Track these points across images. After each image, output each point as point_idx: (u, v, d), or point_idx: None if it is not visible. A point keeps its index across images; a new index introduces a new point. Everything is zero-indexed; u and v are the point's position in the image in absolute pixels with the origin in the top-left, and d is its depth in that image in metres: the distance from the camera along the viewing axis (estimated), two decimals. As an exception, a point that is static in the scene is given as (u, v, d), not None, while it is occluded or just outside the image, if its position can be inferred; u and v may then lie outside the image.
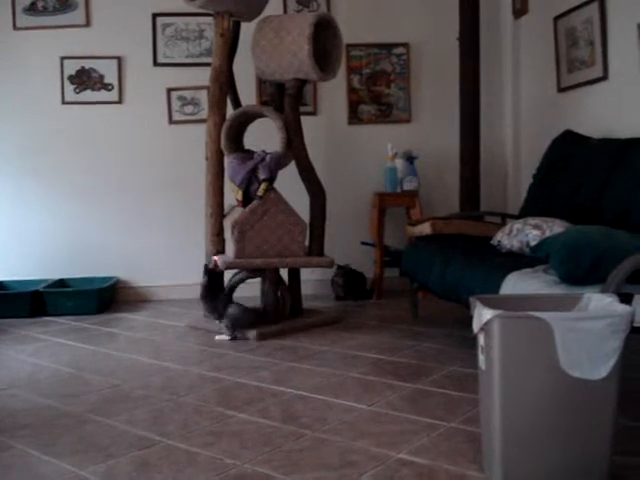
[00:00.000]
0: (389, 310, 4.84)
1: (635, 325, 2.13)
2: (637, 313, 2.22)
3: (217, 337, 4.11)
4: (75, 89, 5.33)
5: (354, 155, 5.56)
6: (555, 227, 3.34)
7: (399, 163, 5.27)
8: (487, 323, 1.99)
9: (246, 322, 4.10)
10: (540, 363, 1.97)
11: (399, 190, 5.25)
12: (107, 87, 5.36)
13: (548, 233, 3.27)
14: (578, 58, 4.52)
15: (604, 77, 4.24)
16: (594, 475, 2.01)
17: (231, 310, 4.08)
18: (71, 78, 5.33)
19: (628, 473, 2.14)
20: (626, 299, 2.35)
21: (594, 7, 4.27)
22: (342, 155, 5.55)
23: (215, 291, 4.20)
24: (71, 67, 5.32)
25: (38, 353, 3.91)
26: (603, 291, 2.37)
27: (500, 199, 5.55)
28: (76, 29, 5.32)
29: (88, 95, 5.35)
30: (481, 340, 2.09)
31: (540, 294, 2.60)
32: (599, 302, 2.17)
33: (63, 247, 5.35)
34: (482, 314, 2.00)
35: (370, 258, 5.32)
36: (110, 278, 5.32)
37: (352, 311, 4.85)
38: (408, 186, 5.23)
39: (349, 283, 5.20)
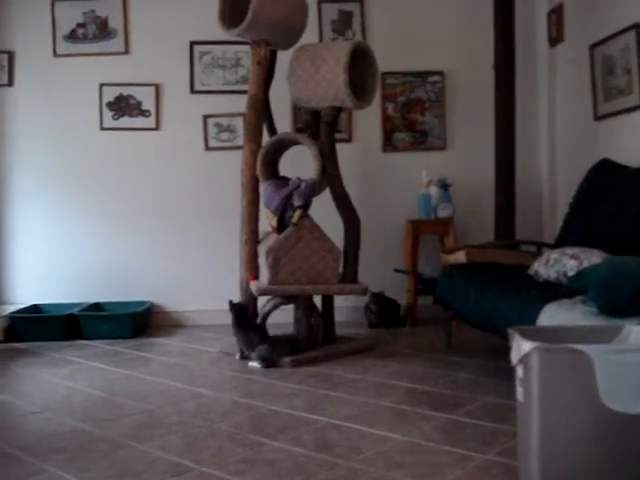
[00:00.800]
0: (422, 338, 4.81)
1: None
2: (679, 346, 2.19)
3: (250, 363, 4.10)
4: (113, 115, 5.42)
5: (388, 182, 5.56)
6: (593, 257, 3.30)
7: (433, 190, 5.25)
8: (526, 355, 1.96)
9: (276, 358, 4.08)
10: (580, 396, 1.94)
11: (433, 217, 5.23)
12: (145, 114, 5.44)
13: (586, 263, 3.23)
14: (615, 86, 4.49)
15: (642, 105, 4.21)
16: (635, 512, 1.97)
17: (261, 349, 4.06)
18: (109, 104, 5.42)
19: (670, 511, 2.09)
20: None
21: (631, 35, 4.24)
22: (376, 182, 5.55)
23: (245, 324, 4.19)
24: (110, 94, 5.41)
25: (72, 376, 3.93)
26: (644, 323, 2.34)
27: (535, 228, 5.50)
28: (115, 56, 5.43)
29: (126, 121, 5.43)
30: (520, 372, 2.06)
31: (579, 325, 2.57)
32: (639, 334, 2.14)
33: (99, 271, 5.41)
34: (521, 346, 1.98)
35: (403, 286, 5.30)
36: (144, 302, 5.36)
37: (385, 339, 4.82)
38: (442, 213, 5.21)
39: (382, 310, 5.18)
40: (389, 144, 5.58)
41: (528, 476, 2.04)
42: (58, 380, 3.86)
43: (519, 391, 2.08)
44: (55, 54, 5.41)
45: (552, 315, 2.87)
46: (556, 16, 5.28)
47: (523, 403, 2.06)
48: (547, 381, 1.95)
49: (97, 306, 5.35)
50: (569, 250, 3.51)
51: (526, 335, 2.04)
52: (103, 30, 5.43)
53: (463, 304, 3.85)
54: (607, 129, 4.64)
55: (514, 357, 2.04)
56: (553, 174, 5.45)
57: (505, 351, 2.12)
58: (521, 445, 2.14)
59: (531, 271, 3.69)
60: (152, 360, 4.34)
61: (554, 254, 3.56)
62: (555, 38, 5.32)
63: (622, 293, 2.55)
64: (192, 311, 5.47)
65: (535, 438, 1.97)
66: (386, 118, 5.57)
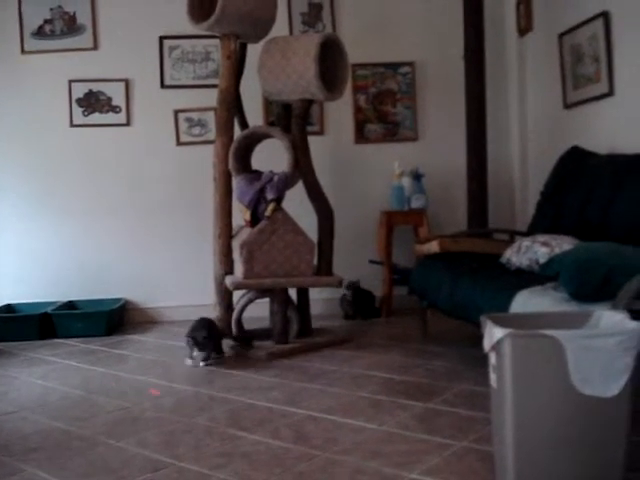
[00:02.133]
0: (398, 329, 4.83)
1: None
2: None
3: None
4: (83, 112, 5.37)
5: (361, 174, 5.57)
6: (564, 244, 3.33)
7: (406, 181, 5.27)
8: (498, 342, 1.98)
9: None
10: (552, 381, 1.96)
11: (406, 208, 5.25)
12: (115, 109, 5.40)
13: (557, 250, 3.26)
14: (584, 74, 4.53)
15: (610, 93, 4.24)
16: (608, 493, 2.00)
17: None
18: (79, 101, 5.37)
19: (642, 491, 2.13)
20: (637, 315, 2.34)
21: (599, 23, 4.28)
22: (349, 174, 5.56)
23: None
24: (79, 90, 5.36)
25: (48, 376, 3.91)
26: (614, 308, 2.37)
27: (508, 216, 5.54)
28: (84, 52, 5.37)
29: (96, 118, 5.39)
30: (492, 359, 2.08)
31: (550, 312, 2.60)
32: (610, 319, 2.17)
33: (72, 269, 5.37)
34: (493, 333, 2.00)
35: (378, 277, 5.32)
36: (119, 300, 5.33)
37: (361, 330, 4.84)
38: (415, 204, 5.23)
39: (358, 302, 5.19)
40: (361, 136, 5.59)
41: (503, 461, 2.06)
42: (33, 379, 3.83)
43: (492, 378, 2.10)
44: (23, 51, 5.34)
45: (524, 302, 2.90)
46: (525, 6, 5.31)
47: (496, 389, 2.08)
48: (519, 367, 1.97)
49: (71, 304, 5.31)
50: (540, 237, 3.54)
51: (498, 322, 2.06)
52: (71, 26, 5.37)
53: (437, 293, 3.88)
54: (577, 117, 4.68)
55: (486, 344, 2.06)
56: (524, 163, 5.49)
57: (479, 339, 2.14)
58: (495, 431, 2.16)
59: (503, 259, 3.72)
60: (128, 357, 4.32)
61: (526, 242, 3.59)
62: (524, 28, 5.35)
63: (592, 279, 2.58)
64: (167, 307, 5.45)
65: (509, 423, 1.99)
66: (358, 110, 5.58)
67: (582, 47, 4.52)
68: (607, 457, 2.00)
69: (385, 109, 5.60)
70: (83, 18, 5.37)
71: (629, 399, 1.98)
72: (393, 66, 5.58)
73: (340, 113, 5.53)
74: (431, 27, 5.59)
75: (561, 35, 4.76)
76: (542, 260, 3.25)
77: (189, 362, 4.01)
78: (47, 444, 2.80)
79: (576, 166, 4.19)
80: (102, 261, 5.41)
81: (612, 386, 1.96)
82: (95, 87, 5.38)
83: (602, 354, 1.95)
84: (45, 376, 3.90)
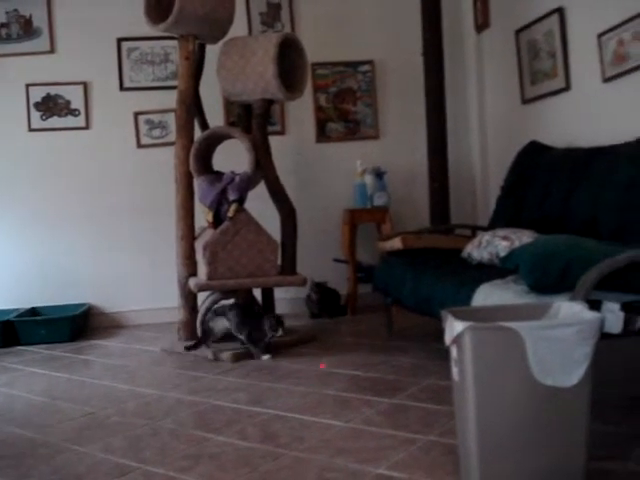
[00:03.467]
0: (364, 326, 4.85)
1: (604, 331, 2.17)
2: (606, 319, 2.26)
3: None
4: (42, 116, 5.31)
5: (323, 173, 5.58)
6: (523, 238, 3.37)
7: (368, 179, 5.30)
8: (459, 335, 2.00)
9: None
10: (512, 372, 1.99)
11: (369, 206, 5.28)
12: (74, 113, 5.35)
13: (517, 244, 3.30)
14: (541, 70, 4.59)
15: (566, 88, 4.31)
16: (570, 481, 2.03)
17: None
18: (37, 105, 5.31)
19: (603, 478, 2.16)
20: (595, 306, 2.38)
21: (554, 19, 4.34)
22: (311, 173, 5.57)
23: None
24: (37, 94, 5.30)
25: (12, 383, 3.86)
26: (572, 299, 2.40)
27: (470, 212, 5.60)
28: (41, 56, 5.31)
29: (55, 121, 5.33)
30: (454, 352, 2.10)
31: (510, 304, 2.63)
32: (568, 310, 2.20)
33: (34, 275, 5.30)
34: (454, 326, 2.02)
35: (343, 275, 5.33)
36: (82, 305, 5.28)
37: (327, 328, 4.85)
38: (378, 202, 5.26)
39: (323, 300, 5.20)
40: (323, 135, 5.61)
41: (467, 453, 2.09)
42: (-4, 388, 3.79)
43: (454, 371, 2.12)
44: (-22, 55, 5.27)
45: (485, 295, 2.93)
46: (481, 2, 5.36)
47: (458, 382, 2.10)
48: (480, 359, 1.99)
49: (34, 311, 5.25)
50: (500, 232, 3.58)
51: (459, 316, 2.07)
52: (27, 29, 5.31)
53: (401, 290, 3.90)
54: (534, 112, 4.74)
55: (447, 338, 2.08)
56: (485, 158, 5.54)
57: (443, 334, 2.16)
58: (459, 424, 2.18)
59: (464, 254, 3.75)
60: (93, 362, 4.28)
61: (486, 236, 3.63)
62: (481, 24, 5.40)
63: (551, 271, 2.62)
64: (132, 311, 5.41)
65: (471, 416, 2.01)
66: (318, 109, 5.59)
67: (538, 43, 4.58)
68: (569, 446, 2.03)
69: (346, 108, 5.62)
70: (39, 21, 5.30)
71: (589, 388, 2.01)
72: (353, 65, 5.60)
73: (301, 112, 5.54)
74: (390, 25, 5.61)
75: (518, 31, 4.82)
76: (502, 254, 3.29)
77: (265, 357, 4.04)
78: (12, 452, 2.76)
79: (534, 161, 4.24)
80: (65, 266, 5.35)
81: (572, 376, 1.99)
82: (53, 90, 5.32)
83: (561, 344, 1.98)
84: (9, 384, 3.85)
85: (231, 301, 4.29)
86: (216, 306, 4.17)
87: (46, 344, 4.84)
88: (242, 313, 4.06)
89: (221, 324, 4.08)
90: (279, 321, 3.99)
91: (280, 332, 3.98)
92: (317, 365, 3.84)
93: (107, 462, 2.59)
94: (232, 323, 4.03)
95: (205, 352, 4.13)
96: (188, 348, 4.16)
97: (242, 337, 4.03)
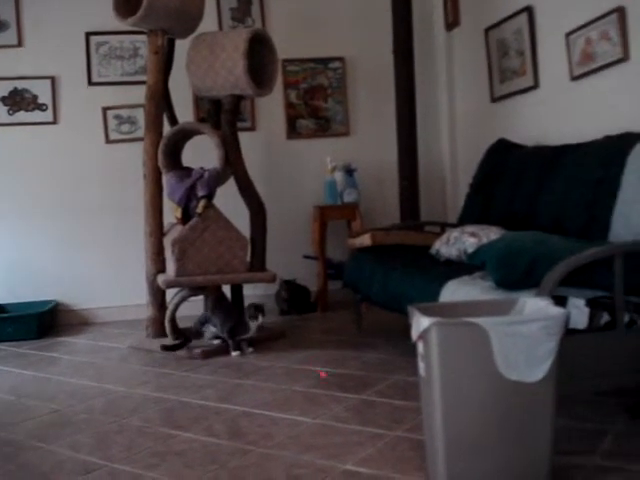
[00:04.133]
0: (333, 323, 4.86)
1: (570, 327, 2.19)
2: (571, 315, 2.28)
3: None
4: (8, 110, 5.24)
5: (294, 169, 5.58)
6: (491, 234, 3.39)
7: (338, 176, 5.29)
8: (425, 331, 2.01)
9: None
10: (478, 368, 2.00)
11: (339, 203, 5.28)
12: (41, 107, 5.28)
13: (484, 240, 3.32)
14: (510, 68, 4.62)
15: (535, 86, 4.34)
16: (536, 476, 2.05)
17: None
18: (4, 99, 5.23)
19: (569, 473, 2.18)
20: (561, 302, 2.40)
21: (523, 18, 4.37)
22: (282, 170, 5.56)
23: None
24: (3, 88, 5.22)
25: (-24, 381, 3.82)
26: (538, 295, 2.42)
27: (439, 209, 5.62)
28: (8, 49, 5.23)
29: (22, 116, 5.26)
30: (420, 348, 2.11)
31: (477, 300, 2.64)
32: (534, 305, 2.22)
33: (0, 272, 5.23)
34: (420, 322, 2.02)
35: (313, 271, 5.33)
36: (49, 302, 5.22)
37: (297, 325, 4.84)
38: (348, 198, 5.26)
39: (293, 297, 5.19)
40: (293, 131, 5.60)
41: (433, 448, 2.09)
42: (-39, 385, 3.74)
43: (421, 366, 2.13)
44: (-57, 49, 5.19)
45: (453, 292, 2.95)
46: (451, 1, 5.38)
47: (425, 378, 2.10)
48: (446, 355, 1.99)
49: (0, 308, 5.18)
50: (469, 228, 3.61)
51: (426, 312, 2.08)
52: (-6, 23, 5.24)
53: (370, 286, 3.91)
54: (503, 110, 4.77)
55: (414, 334, 2.09)
56: (454, 155, 5.57)
57: (412, 330, 2.17)
58: (426, 418, 2.19)
59: (433, 251, 3.77)
60: (60, 360, 4.24)
61: (454, 233, 3.65)
62: (451, 22, 5.43)
63: (517, 267, 2.63)
64: (100, 308, 5.36)
65: (438, 410, 2.02)
66: (289, 105, 5.58)
67: (508, 41, 4.61)
68: (535, 441, 2.04)
69: (316, 104, 5.62)
70: (6, 15, 5.23)
71: (554, 383, 2.03)
72: (323, 61, 5.60)
73: (271, 109, 5.53)
74: (361, 22, 5.62)
75: (487, 29, 4.85)
76: (470, 250, 3.31)
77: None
78: (-25, 450, 2.73)
79: (503, 158, 4.27)
80: (32, 263, 5.28)
81: (536, 371, 2.00)
82: (20, 85, 5.25)
83: (526, 340, 1.99)
84: (-27, 382, 3.80)
85: (203, 299, 4.30)
86: (200, 315, 4.16)
87: (13, 341, 4.78)
88: (224, 311, 4.08)
89: (209, 330, 4.11)
90: (258, 309, 3.99)
91: (260, 319, 3.98)
92: (286, 361, 3.83)
93: (73, 460, 2.57)
94: (217, 325, 4.04)
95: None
96: (167, 348, 4.12)
97: (225, 335, 4.04)
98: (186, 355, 4.06)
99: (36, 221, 5.29)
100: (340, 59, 5.62)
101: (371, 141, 5.64)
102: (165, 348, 4.11)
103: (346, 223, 5.36)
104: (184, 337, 4.14)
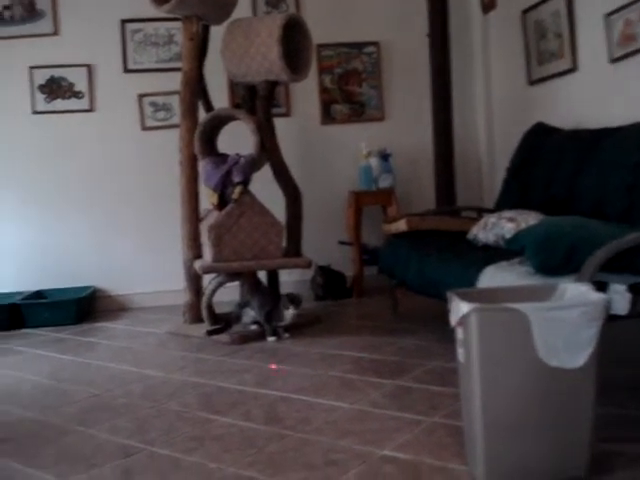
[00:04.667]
0: (369, 308, 4.85)
1: (611, 313, 2.16)
2: (612, 301, 2.24)
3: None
4: (45, 98, 5.29)
5: (328, 155, 5.57)
6: (529, 219, 3.36)
7: (373, 161, 5.28)
8: (464, 316, 1.99)
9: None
10: (518, 354, 1.98)
11: (374, 188, 5.26)
12: (78, 95, 5.33)
13: (523, 225, 3.29)
14: (547, 50, 4.55)
15: (573, 69, 4.28)
16: (576, 463, 2.03)
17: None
18: (41, 87, 5.29)
19: (609, 460, 2.15)
20: (601, 287, 2.37)
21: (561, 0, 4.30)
22: (316, 155, 5.55)
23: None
24: (41, 76, 5.28)
25: (18, 365, 3.87)
26: (578, 280, 2.39)
27: (475, 193, 5.57)
28: (44, 38, 5.27)
29: (59, 104, 5.31)
30: (459, 334, 2.09)
31: (516, 286, 2.62)
32: (574, 291, 2.19)
33: (39, 258, 5.30)
34: (459, 308, 2.01)
35: (348, 257, 5.33)
36: (88, 288, 5.28)
37: (332, 311, 4.85)
38: (383, 184, 5.24)
39: (328, 283, 5.20)
40: (328, 116, 5.58)
41: (472, 435, 2.08)
42: (4, 370, 3.79)
43: (460, 352, 2.12)
44: (-18, 37, 5.25)
45: (491, 277, 2.92)
46: (487, -17, 5.32)
47: (464, 364, 2.09)
48: (486, 341, 1.98)
49: (39, 294, 5.25)
50: (506, 213, 3.57)
51: (465, 297, 2.07)
52: (30, 11, 5.28)
53: (406, 272, 3.89)
54: (541, 93, 4.71)
55: (453, 319, 2.07)
56: (491, 140, 5.51)
57: (449, 316, 2.15)
58: (464, 405, 2.18)
59: (470, 236, 3.74)
60: (98, 345, 4.29)
61: (492, 218, 3.61)
62: (488, 5, 5.36)
63: (557, 252, 2.60)
64: (137, 293, 5.41)
65: (477, 397, 2.00)
66: (323, 91, 5.56)
67: (545, 23, 4.54)
68: (574, 428, 2.02)
69: (351, 89, 5.59)
70: (42, 3, 5.27)
71: (595, 370, 2.00)
72: (358, 46, 5.57)
73: (306, 94, 5.51)
74: (395, 6, 5.57)
75: (524, 11, 4.78)
76: (508, 236, 3.28)
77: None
78: (18, 434, 2.77)
79: (541, 142, 4.22)
80: (70, 249, 5.35)
81: (577, 357, 1.98)
82: (57, 73, 5.29)
83: (567, 326, 1.97)
84: (15, 366, 3.86)
85: (239, 285, 4.32)
86: (239, 300, 4.16)
87: (51, 327, 4.85)
88: (262, 295, 4.12)
89: (249, 314, 4.13)
90: (293, 299, 4.00)
91: (292, 310, 3.98)
92: (322, 347, 3.84)
93: (113, 443, 2.60)
94: (255, 308, 4.07)
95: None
96: (210, 333, 4.15)
97: (262, 319, 4.06)
98: (225, 340, 4.08)
99: (74, 207, 5.34)
100: (375, 43, 5.58)
101: (406, 126, 5.60)
102: (210, 333, 4.13)
103: (381, 208, 5.33)
104: (225, 322, 4.16)
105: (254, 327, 4.15)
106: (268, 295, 4.19)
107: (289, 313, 3.99)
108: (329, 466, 2.27)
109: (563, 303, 2.13)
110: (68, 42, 5.31)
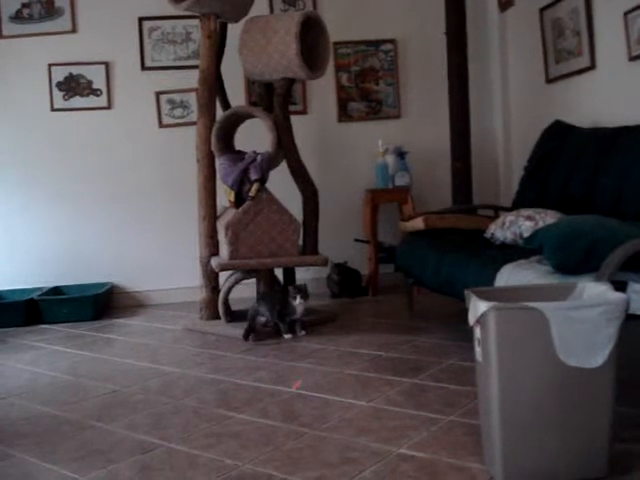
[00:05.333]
0: (385, 306, 4.85)
1: (630, 312, 2.14)
2: (631, 300, 2.23)
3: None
4: (64, 96, 5.32)
5: (345, 152, 5.56)
6: (548, 218, 3.34)
7: (390, 159, 5.27)
8: (482, 315, 1.99)
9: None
10: (536, 353, 1.98)
11: (391, 186, 5.25)
12: (96, 93, 5.35)
13: (541, 224, 3.28)
14: (565, 48, 4.52)
15: (592, 67, 4.25)
16: (594, 462, 2.02)
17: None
18: (59, 85, 5.32)
19: (627, 460, 2.14)
20: (620, 287, 2.36)
21: (579, -3, 4.28)
22: (333, 153, 5.55)
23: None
24: (59, 74, 5.31)
25: (35, 361, 3.90)
26: (597, 279, 2.38)
27: (492, 192, 5.55)
28: (63, 36, 5.30)
29: (77, 101, 5.34)
30: (477, 332, 2.09)
31: (534, 285, 2.61)
32: (593, 290, 2.18)
33: (57, 254, 5.33)
34: (477, 306, 2.01)
35: (364, 255, 5.32)
36: (105, 284, 5.31)
37: (348, 308, 4.85)
38: (400, 182, 5.24)
39: (344, 280, 5.20)
40: (344, 114, 5.58)
41: (489, 433, 2.08)
42: (21, 366, 3.82)
43: (477, 351, 2.11)
44: (1, 35, 5.27)
45: (509, 276, 2.91)
46: (505, -20, 5.29)
47: (482, 363, 2.09)
48: (504, 340, 1.97)
49: (57, 290, 5.29)
50: (524, 212, 3.56)
51: (483, 296, 2.06)
52: (49, 9, 5.31)
53: (423, 270, 3.89)
54: (559, 91, 4.68)
55: (471, 318, 2.07)
56: (508, 138, 5.49)
57: (466, 314, 2.14)
58: (482, 404, 2.18)
59: (487, 234, 3.73)
60: (115, 341, 4.31)
61: (510, 216, 3.60)
62: (505, 2, 5.33)
63: (575, 251, 2.59)
64: (154, 290, 5.44)
65: (495, 396, 2.00)
66: (340, 88, 5.56)
67: (563, 21, 4.51)
68: (593, 427, 2.02)
69: (368, 87, 5.59)
70: (61, 1, 5.30)
71: (613, 370, 2.00)
72: (375, 44, 5.56)
73: (323, 92, 5.51)
74: (412, 4, 5.56)
75: (542, 9, 4.75)
76: (526, 234, 3.26)
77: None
78: (36, 429, 2.79)
79: (559, 140, 4.19)
80: (88, 246, 5.38)
81: (596, 357, 1.98)
82: (75, 70, 5.32)
83: (586, 325, 1.96)
84: (32, 362, 3.89)
85: (256, 282, 4.31)
86: (251, 310, 4.15)
87: (69, 323, 4.88)
88: (270, 300, 4.09)
89: (260, 320, 4.11)
90: (299, 289, 4.01)
91: (299, 300, 3.98)
92: (338, 344, 3.84)
93: (130, 439, 2.62)
94: (266, 312, 4.06)
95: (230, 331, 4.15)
96: (246, 335, 4.09)
97: (276, 319, 4.06)
98: (241, 337, 4.08)
99: (91, 204, 5.37)
100: (391, 41, 5.57)
101: (423, 124, 5.59)
102: (245, 337, 4.09)
103: (397, 206, 5.33)
104: (249, 323, 4.14)
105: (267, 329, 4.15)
106: (276, 295, 4.18)
107: (298, 304, 3.98)
108: (345, 464, 2.27)
109: (582, 302, 2.12)
110: (86, 40, 5.33)
